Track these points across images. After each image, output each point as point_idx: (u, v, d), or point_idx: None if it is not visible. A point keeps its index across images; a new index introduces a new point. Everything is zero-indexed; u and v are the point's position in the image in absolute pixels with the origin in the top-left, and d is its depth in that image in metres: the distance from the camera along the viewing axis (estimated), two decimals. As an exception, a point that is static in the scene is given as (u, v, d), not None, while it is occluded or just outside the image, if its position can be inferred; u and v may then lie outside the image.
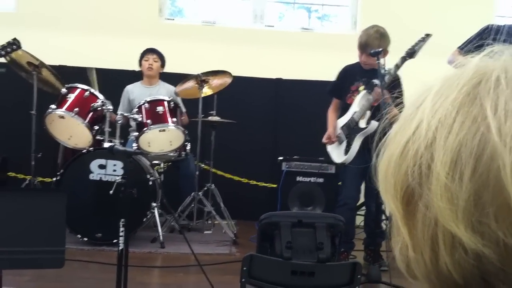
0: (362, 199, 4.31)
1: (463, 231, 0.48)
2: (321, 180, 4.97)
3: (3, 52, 3.93)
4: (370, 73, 3.98)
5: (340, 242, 3.35)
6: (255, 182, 5.76)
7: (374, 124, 3.91)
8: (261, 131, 5.87)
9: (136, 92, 5.12)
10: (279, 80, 5.97)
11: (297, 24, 6.51)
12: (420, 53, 3.76)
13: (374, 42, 3.90)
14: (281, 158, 5.18)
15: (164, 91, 5.04)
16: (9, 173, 5.53)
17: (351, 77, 4.15)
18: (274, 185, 5.41)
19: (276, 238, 3.40)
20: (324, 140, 4.18)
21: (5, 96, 5.46)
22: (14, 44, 3.94)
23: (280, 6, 6.65)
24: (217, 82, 4.91)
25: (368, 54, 3.87)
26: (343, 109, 4.18)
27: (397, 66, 3.78)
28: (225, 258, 4.08)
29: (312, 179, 4.98)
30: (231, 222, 4.84)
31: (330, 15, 6.70)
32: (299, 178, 5.03)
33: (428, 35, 3.75)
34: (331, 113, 4.26)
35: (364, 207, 4.41)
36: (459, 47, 3.97)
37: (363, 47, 3.95)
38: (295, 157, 5.14)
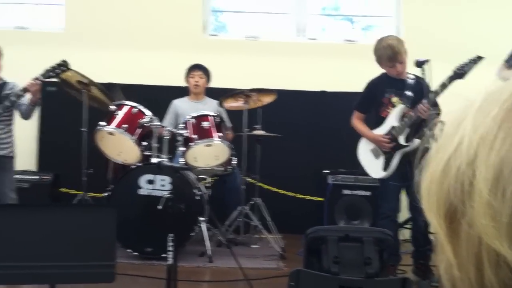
0: (402, 211, 4.26)
1: (506, 249, 0.47)
2: (368, 193, 4.93)
3: (52, 74, 4.05)
4: (398, 83, 3.97)
5: (388, 256, 3.30)
6: (301, 196, 5.75)
7: (416, 142, 3.87)
8: (307, 144, 5.87)
9: (183, 107, 5.20)
10: (323, 93, 5.96)
11: (340, 36, 6.50)
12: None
13: (401, 48, 3.89)
14: (326, 171, 5.16)
15: (210, 106, 5.10)
16: (62, 189, 5.69)
17: (380, 89, 4.11)
18: (320, 199, 5.38)
19: (323, 253, 3.38)
20: (386, 148, 4.06)
21: (57, 114, 5.63)
22: (63, 66, 4.06)
23: (322, 19, 6.66)
24: (262, 99, 4.93)
25: (401, 63, 3.87)
26: (376, 122, 4.14)
27: (444, 86, 3.72)
28: (272, 272, 4.07)
29: (359, 192, 4.94)
30: (278, 236, 4.84)
31: (374, 26, 6.66)
32: (345, 192, 5.00)
33: (480, 58, 3.67)
34: (359, 123, 4.22)
35: (409, 221, 4.34)
36: (505, 60, 3.89)
37: (393, 57, 3.91)
38: (341, 170, 5.11)
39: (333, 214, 4.88)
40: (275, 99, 4.97)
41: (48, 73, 4.03)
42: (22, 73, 4.64)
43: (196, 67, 5.27)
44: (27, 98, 4.10)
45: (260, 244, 4.83)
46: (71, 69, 4.23)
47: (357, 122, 4.22)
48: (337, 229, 3.97)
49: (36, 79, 4.02)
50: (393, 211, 4.03)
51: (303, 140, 5.86)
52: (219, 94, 4.99)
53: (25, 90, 4.02)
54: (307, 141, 5.88)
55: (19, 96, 4.05)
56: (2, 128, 4.15)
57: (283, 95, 5.16)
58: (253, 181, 4.99)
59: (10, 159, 4.21)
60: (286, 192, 5.74)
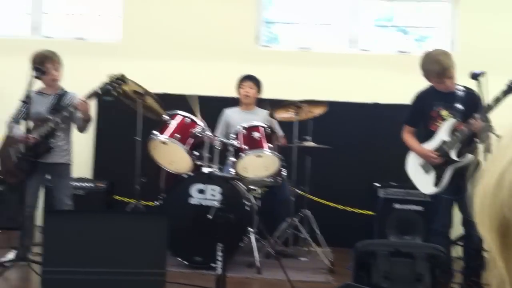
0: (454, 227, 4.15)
1: None
2: (420, 208, 4.84)
3: (110, 88, 4.14)
4: (447, 95, 3.90)
5: (440, 273, 3.23)
6: (351, 209, 5.69)
7: (469, 157, 3.78)
8: (357, 157, 5.81)
9: (234, 117, 5.25)
10: (376, 105, 5.91)
11: (393, 47, 6.43)
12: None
13: (449, 63, 3.82)
14: (377, 184, 5.08)
15: (260, 117, 5.13)
16: (116, 196, 5.82)
17: (428, 102, 4.05)
18: (371, 213, 5.32)
19: (373, 268, 3.34)
20: (435, 161, 3.99)
21: (112, 123, 5.77)
22: (120, 79, 4.14)
23: (375, 30, 6.60)
24: (312, 110, 4.92)
25: (449, 78, 3.81)
26: (425, 135, 4.06)
27: (498, 100, 3.63)
28: (321, 286, 4.05)
29: (411, 207, 4.85)
30: (327, 249, 4.80)
31: (428, 37, 6.56)
32: (396, 206, 4.92)
33: None
34: (409, 137, 4.16)
35: (462, 238, 4.23)
36: None
37: (442, 73, 3.84)
38: (392, 183, 5.03)
39: (383, 228, 4.81)
40: (326, 110, 4.94)
41: (105, 87, 4.12)
42: (81, 82, 4.79)
43: (247, 78, 5.31)
44: (80, 114, 4.21)
45: (309, 257, 4.80)
46: (128, 83, 4.32)
47: (407, 136, 4.17)
48: (388, 243, 3.91)
49: (93, 93, 4.11)
50: (445, 227, 3.95)
51: (354, 152, 5.81)
52: (270, 105, 5.00)
53: (75, 108, 4.14)
54: (358, 153, 5.83)
55: (70, 112, 4.18)
56: (61, 137, 4.28)
57: (334, 106, 5.14)
58: (302, 193, 4.97)
59: (67, 166, 4.34)
60: (336, 205, 5.70)
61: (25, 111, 4.07)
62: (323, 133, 5.15)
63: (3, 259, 4.15)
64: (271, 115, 4.98)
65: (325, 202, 5.69)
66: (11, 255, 4.19)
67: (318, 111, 4.96)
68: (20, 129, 4.24)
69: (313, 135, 4.93)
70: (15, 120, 4.26)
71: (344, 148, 5.70)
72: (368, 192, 5.40)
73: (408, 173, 4.14)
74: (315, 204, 5.43)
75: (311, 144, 4.92)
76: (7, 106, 4.46)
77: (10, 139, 4.25)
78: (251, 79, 5.32)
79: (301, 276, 4.20)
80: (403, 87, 5.73)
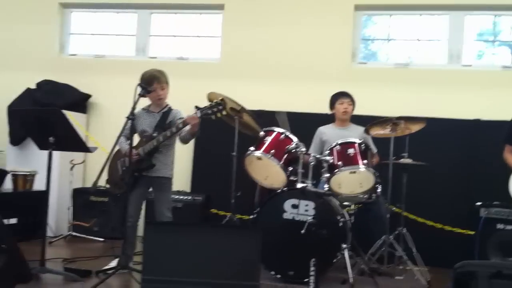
0: None
1: None
2: (525, 228, 4.59)
3: (209, 112, 4.24)
4: None
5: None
6: (450, 228, 5.50)
7: None
8: (457, 175, 5.63)
9: (329, 134, 5.25)
10: (477, 122, 5.70)
11: (497, 62, 6.18)
12: None
13: None
14: (479, 203, 4.89)
15: (355, 133, 5.10)
16: (212, 209, 6.00)
17: None
18: (471, 232, 5.11)
19: (473, 289, 3.21)
20: None
21: (210, 139, 5.95)
22: (220, 105, 4.23)
23: (479, 45, 6.38)
24: (410, 127, 4.82)
25: None
26: None
27: None
28: (416, 305, 3.93)
29: (515, 227, 4.62)
30: (424, 268, 4.66)
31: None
32: (499, 226, 4.70)
33: None
34: (510, 157, 3.97)
35: None
36: None
37: None
38: (495, 203, 4.82)
39: (484, 249, 4.60)
40: (423, 127, 4.83)
41: (205, 111, 4.23)
42: (183, 100, 5.00)
43: (345, 94, 5.30)
44: (187, 127, 4.36)
45: (405, 275, 4.67)
46: (227, 110, 4.40)
47: (508, 156, 4.01)
48: (489, 264, 3.73)
49: (195, 114, 4.26)
50: None
51: (453, 169, 5.63)
52: (367, 122, 4.96)
53: (185, 123, 4.28)
54: (457, 170, 5.64)
55: (178, 128, 4.32)
56: (163, 152, 4.46)
57: (432, 123, 5.00)
58: (398, 210, 4.87)
59: (168, 180, 4.50)
60: (433, 223, 5.53)
61: (130, 127, 4.28)
62: (420, 150, 5.03)
63: (106, 267, 4.39)
64: (367, 132, 4.94)
65: (422, 220, 5.55)
66: (113, 263, 4.41)
67: (415, 127, 4.86)
68: (127, 144, 4.47)
69: (409, 151, 4.83)
70: (124, 135, 4.47)
71: (442, 165, 5.54)
72: (468, 212, 5.20)
73: (511, 193, 3.97)
74: (411, 222, 5.31)
75: (408, 161, 4.82)
76: (114, 123, 4.72)
77: (118, 153, 4.50)
78: (349, 96, 5.31)
79: (395, 295, 4.12)
80: (508, 103, 5.52)
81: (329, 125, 5.39)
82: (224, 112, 4.27)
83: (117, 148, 4.32)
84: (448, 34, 6.23)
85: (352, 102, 5.30)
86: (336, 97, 5.32)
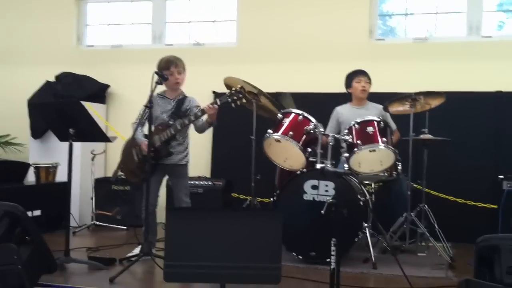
0: None
1: None
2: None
3: (229, 100, 4.25)
4: None
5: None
6: (472, 203, 5.44)
7: None
8: (478, 148, 5.55)
9: (346, 114, 5.20)
10: (498, 94, 5.60)
11: (517, 32, 6.06)
12: None
13: None
14: (502, 176, 4.82)
15: (373, 111, 5.05)
16: (233, 194, 6.02)
17: None
18: (494, 206, 5.05)
19: (496, 263, 3.18)
20: None
21: (229, 123, 5.95)
22: (240, 93, 4.23)
23: (499, 15, 6.24)
24: (429, 102, 4.75)
25: None
26: None
27: None
28: (440, 282, 3.91)
29: (539, 200, 4.55)
30: (447, 244, 4.62)
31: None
32: (523, 199, 4.64)
33: None
34: None
35: None
36: None
37: None
38: (518, 175, 4.76)
39: (508, 222, 4.54)
40: (443, 101, 4.76)
41: (225, 100, 4.25)
42: (200, 86, 5.02)
43: (362, 73, 5.22)
44: (204, 117, 4.38)
45: (427, 252, 4.65)
46: (247, 99, 4.40)
47: None
48: (512, 238, 3.69)
49: (215, 103, 4.27)
50: None
51: (474, 144, 5.56)
52: (385, 99, 4.90)
53: (203, 112, 4.30)
54: (480, 145, 5.56)
55: (197, 116, 4.34)
56: (178, 140, 4.50)
57: (452, 97, 4.91)
58: (419, 187, 4.83)
59: (184, 166, 4.56)
60: (455, 199, 5.47)
61: (147, 115, 4.31)
62: (441, 125, 4.95)
63: (129, 254, 4.45)
64: (386, 109, 4.88)
65: (444, 196, 5.49)
66: (136, 250, 4.48)
67: (435, 102, 4.79)
68: (142, 133, 4.51)
69: (430, 127, 4.77)
70: (140, 122, 4.52)
71: (463, 139, 5.47)
72: (490, 185, 5.13)
73: None
74: (433, 198, 5.26)
75: (428, 136, 4.76)
76: (133, 112, 4.75)
77: (133, 141, 4.53)
78: (366, 74, 5.23)
79: (419, 272, 4.09)
80: (530, 73, 5.41)
81: (345, 105, 5.33)
82: (244, 100, 4.28)
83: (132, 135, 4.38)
84: (466, 6, 6.10)
85: (370, 80, 5.23)
86: (353, 76, 5.25)
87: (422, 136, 4.74)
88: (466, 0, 6.10)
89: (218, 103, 4.25)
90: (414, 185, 4.83)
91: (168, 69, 4.49)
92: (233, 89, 4.24)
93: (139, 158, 4.49)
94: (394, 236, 4.66)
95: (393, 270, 4.03)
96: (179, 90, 4.64)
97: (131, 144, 4.56)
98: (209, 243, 3.47)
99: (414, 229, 4.62)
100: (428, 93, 4.67)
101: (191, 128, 4.59)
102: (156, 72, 4.24)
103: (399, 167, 4.63)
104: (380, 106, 5.01)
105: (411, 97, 4.67)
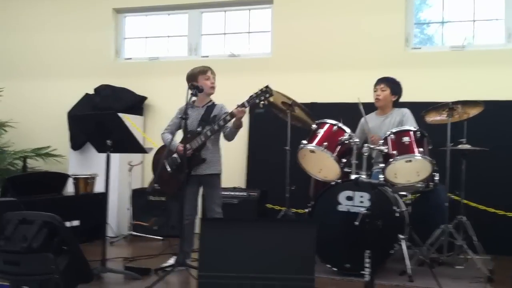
0: None
1: None
2: None
3: (257, 100, 4.26)
4: None
5: None
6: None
7: None
8: (518, 159, 5.42)
9: (370, 122, 5.13)
10: (540, 102, 5.47)
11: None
12: None
13: None
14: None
15: (393, 118, 4.98)
16: (268, 204, 6.02)
17: None
18: (536, 218, 4.92)
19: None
20: None
21: (264, 134, 5.99)
22: (266, 92, 4.25)
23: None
24: (467, 111, 4.66)
25: None
26: None
27: None
28: (478, 295, 3.82)
29: None
30: (486, 257, 4.51)
31: None
32: None
33: None
34: None
35: None
36: None
37: None
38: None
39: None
40: (482, 110, 4.66)
41: (253, 100, 4.26)
42: (235, 97, 5.03)
43: (379, 81, 5.10)
44: (231, 121, 4.39)
45: (466, 265, 4.54)
46: (274, 95, 4.41)
47: None
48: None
49: (242, 105, 4.29)
50: None
51: (514, 154, 5.42)
52: (422, 108, 4.81)
53: (232, 115, 4.32)
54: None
55: (226, 121, 4.36)
56: (210, 148, 4.51)
57: (491, 106, 4.82)
58: (457, 198, 4.73)
59: (217, 176, 4.55)
60: (495, 210, 5.33)
61: (178, 123, 4.37)
62: (479, 135, 4.87)
63: (165, 264, 4.48)
64: (423, 118, 4.79)
65: (483, 207, 5.36)
66: (171, 260, 4.50)
67: (473, 111, 4.69)
68: (174, 141, 4.54)
69: (468, 137, 4.68)
70: (169, 131, 4.56)
71: (502, 149, 5.34)
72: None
73: None
74: (471, 210, 5.15)
75: (466, 146, 4.67)
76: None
77: (165, 151, 4.54)
78: (382, 81, 5.10)
79: (457, 285, 3.99)
80: None
81: (371, 114, 5.24)
82: (271, 99, 4.29)
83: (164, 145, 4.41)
84: (504, 13, 5.98)
85: (388, 86, 5.09)
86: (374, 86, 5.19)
87: (460, 146, 4.66)
88: (504, 7, 5.99)
89: (246, 105, 4.26)
90: (452, 196, 4.73)
91: (205, 73, 4.56)
92: (259, 88, 4.25)
93: (173, 168, 4.53)
94: (431, 248, 4.57)
95: (429, 283, 3.96)
96: (208, 97, 4.67)
97: (163, 155, 4.57)
98: (243, 254, 3.48)
99: (452, 242, 4.52)
100: (466, 102, 4.59)
101: (222, 138, 4.59)
102: (192, 84, 4.27)
103: (436, 178, 4.54)
104: (404, 110, 4.95)
105: (449, 106, 4.59)
